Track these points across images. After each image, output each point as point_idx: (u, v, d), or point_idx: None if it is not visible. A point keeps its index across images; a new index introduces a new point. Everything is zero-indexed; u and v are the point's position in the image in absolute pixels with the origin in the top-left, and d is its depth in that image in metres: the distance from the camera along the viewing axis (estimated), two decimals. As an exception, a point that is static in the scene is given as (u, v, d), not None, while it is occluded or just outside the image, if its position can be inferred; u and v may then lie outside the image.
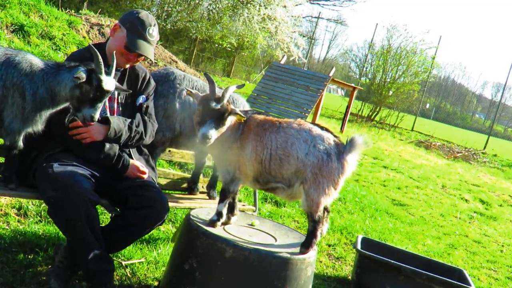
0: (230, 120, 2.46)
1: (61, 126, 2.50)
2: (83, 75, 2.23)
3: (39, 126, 2.36)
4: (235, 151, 2.53)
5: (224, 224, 2.66)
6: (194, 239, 2.50)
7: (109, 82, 2.31)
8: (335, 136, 2.52)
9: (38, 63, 2.31)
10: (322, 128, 2.53)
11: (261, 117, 2.58)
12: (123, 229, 2.57)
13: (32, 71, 2.27)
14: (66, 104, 2.38)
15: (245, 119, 2.46)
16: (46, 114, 2.35)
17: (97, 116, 2.32)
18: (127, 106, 2.77)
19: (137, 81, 2.80)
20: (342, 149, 2.46)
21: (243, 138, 2.51)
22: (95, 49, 2.27)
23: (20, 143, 2.36)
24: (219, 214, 2.61)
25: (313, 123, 2.54)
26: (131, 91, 2.66)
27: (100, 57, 2.26)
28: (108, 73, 2.32)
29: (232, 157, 2.54)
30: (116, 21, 2.69)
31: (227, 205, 2.65)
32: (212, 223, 2.59)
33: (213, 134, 2.35)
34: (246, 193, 4.85)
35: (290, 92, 8.32)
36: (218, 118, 2.37)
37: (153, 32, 2.67)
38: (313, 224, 2.50)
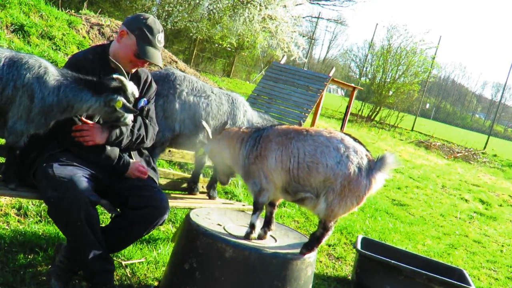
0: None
1: (62, 127, 2.50)
2: (128, 106, 2.43)
3: (43, 129, 2.37)
4: (254, 161, 2.52)
5: (260, 238, 2.62)
6: (194, 239, 2.50)
7: (135, 90, 2.51)
8: (367, 150, 2.44)
9: (53, 71, 2.33)
10: (354, 139, 2.45)
11: (283, 127, 2.57)
12: (123, 229, 2.57)
13: (47, 77, 2.28)
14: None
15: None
16: (53, 120, 2.37)
17: (131, 118, 2.55)
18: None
19: (139, 84, 2.79)
20: (372, 165, 2.37)
21: (263, 149, 2.49)
22: (120, 76, 2.41)
23: (21, 143, 2.36)
24: (252, 226, 2.59)
25: (345, 133, 2.47)
26: (137, 112, 2.67)
27: (125, 80, 2.42)
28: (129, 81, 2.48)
29: (254, 167, 2.52)
30: (120, 24, 2.68)
31: (260, 217, 2.61)
32: (247, 235, 2.57)
33: None
34: (246, 193, 4.85)
35: (290, 92, 8.32)
36: None
37: (161, 39, 2.69)
38: (322, 231, 2.47)
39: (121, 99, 2.40)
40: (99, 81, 2.40)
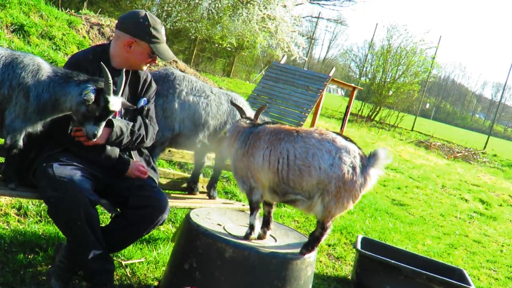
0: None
1: (62, 127, 2.50)
2: (91, 96, 2.25)
3: (39, 127, 2.37)
4: (241, 158, 2.50)
5: (259, 238, 2.61)
6: (194, 239, 2.50)
7: (115, 103, 2.34)
8: (359, 148, 2.41)
9: (47, 68, 2.33)
10: (346, 138, 2.41)
11: (275, 125, 2.54)
12: (123, 229, 2.57)
13: (40, 74, 2.29)
14: (69, 113, 2.40)
15: None
16: (48, 117, 2.37)
17: (99, 133, 2.35)
18: (128, 109, 2.77)
19: (139, 84, 2.79)
20: (366, 162, 2.35)
21: (251, 146, 2.47)
22: (106, 69, 2.28)
23: (20, 143, 2.36)
24: (251, 227, 2.58)
25: (336, 132, 2.44)
26: (136, 107, 2.68)
27: (110, 78, 2.28)
28: (115, 93, 2.35)
29: (241, 165, 2.51)
30: (123, 33, 2.63)
31: (258, 217, 2.59)
32: (246, 236, 2.56)
33: None
34: (246, 193, 4.84)
35: (290, 92, 8.31)
36: None
37: (163, 30, 2.71)
38: (321, 231, 2.46)
39: (91, 90, 2.26)
40: (89, 78, 2.36)
